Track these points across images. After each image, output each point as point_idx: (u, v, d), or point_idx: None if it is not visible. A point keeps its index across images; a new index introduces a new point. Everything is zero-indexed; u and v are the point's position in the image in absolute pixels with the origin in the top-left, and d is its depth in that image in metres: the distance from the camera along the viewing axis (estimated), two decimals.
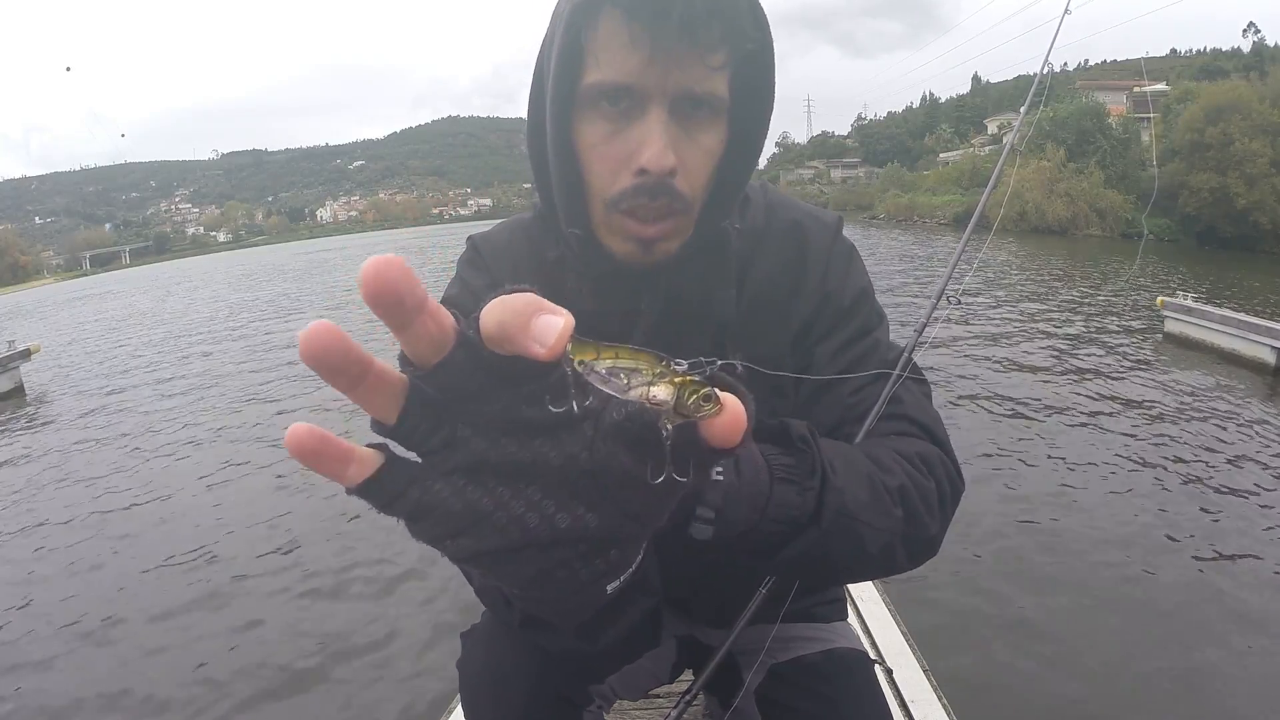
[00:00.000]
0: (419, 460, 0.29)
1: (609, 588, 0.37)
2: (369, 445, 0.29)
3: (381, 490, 0.28)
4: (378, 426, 0.29)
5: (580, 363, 0.28)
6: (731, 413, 0.28)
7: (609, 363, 0.28)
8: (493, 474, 0.29)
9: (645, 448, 0.28)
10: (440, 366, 0.27)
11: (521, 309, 0.26)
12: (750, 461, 0.52)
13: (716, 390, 0.28)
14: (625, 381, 0.28)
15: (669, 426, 0.28)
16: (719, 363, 0.26)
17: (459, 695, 0.76)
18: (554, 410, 0.28)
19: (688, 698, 0.69)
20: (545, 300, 0.26)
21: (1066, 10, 0.87)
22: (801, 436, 0.55)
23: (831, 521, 0.53)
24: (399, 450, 0.29)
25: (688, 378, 0.28)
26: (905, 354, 0.70)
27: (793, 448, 0.54)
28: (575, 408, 0.28)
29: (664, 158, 0.56)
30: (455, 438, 0.28)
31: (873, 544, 0.56)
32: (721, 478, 0.49)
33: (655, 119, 0.57)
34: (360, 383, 0.27)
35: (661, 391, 0.27)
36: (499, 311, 0.26)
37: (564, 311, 0.26)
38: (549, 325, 0.26)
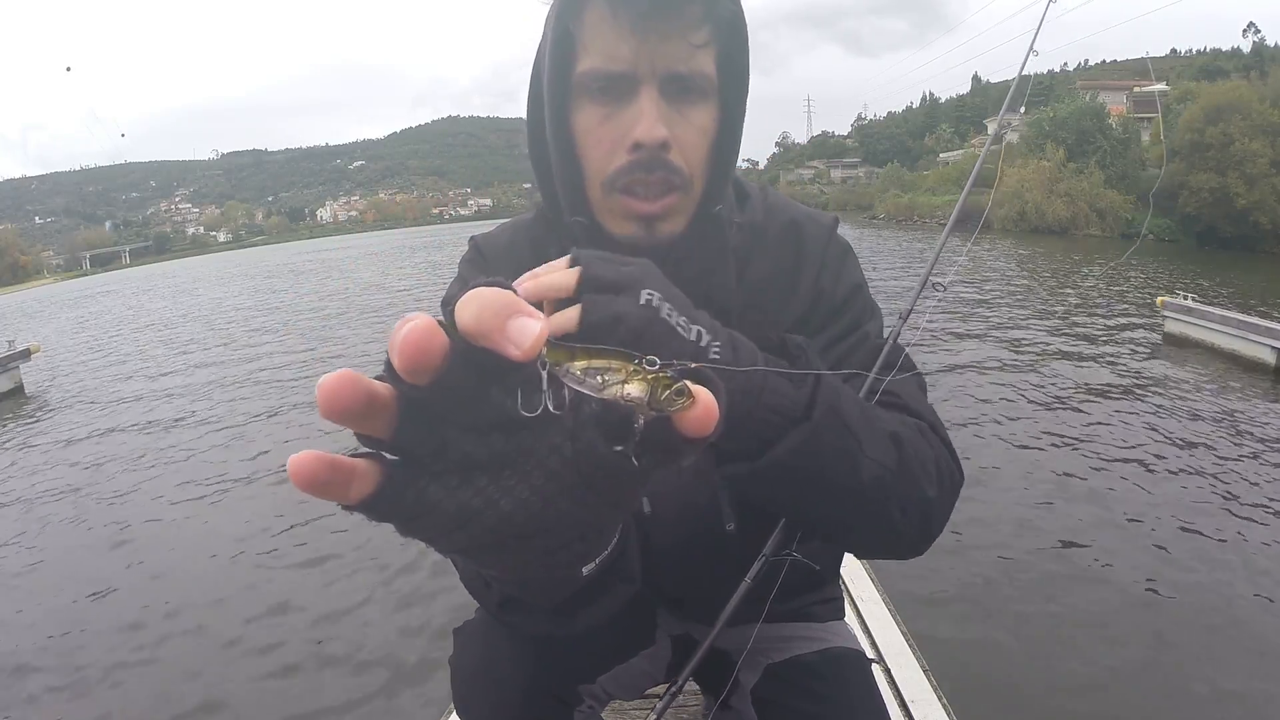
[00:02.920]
0: (409, 465, 0.29)
1: (584, 570, 0.40)
2: (357, 455, 0.28)
3: (381, 503, 0.28)
4: (363, 438, 0.28)
5: (556, 364, 0.29)
6: (704, 405, 0.29)
7: (584, 364, 0.29)
8: (481, 471, 0.29)
9: (622, 436, 0.30)
10: (434, 384, 0.26)
11: (500, 309, 0.26)
12: (745, 345, 0.52)
13: (688, 384, 0.29)
14: (600, 381, 0.29)
15: (641, 421, 0.30)
16: (693, 366, 0.26)
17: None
18: (525, 414, 0.28)
19: (678, 685, 0.70)
20: (523, 301, 0.27)
21: (1044, 15, 0.88)
22: (797, 345, 0.56)
23: (823, 417, 0.53)
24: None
25: (660, 375, 0.29)
26: (890, 343, 0.70)
27: (788, 354, 0.56)
28: (549, 407, 0.29)
29: (655, 129, 0.58)
30: (446, 441, 0.29)
31: (866, 470, 0.55)
32: (718, 354, 0.50)
33: (646, 97, 0.58)
34: (367, 416, 0.26)
35: (635, 389, 0.29)
36: (476, 307, 0.26)
37: (540, 315, 0.27)
38: (525, 329, 0.26)
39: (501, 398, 0.28)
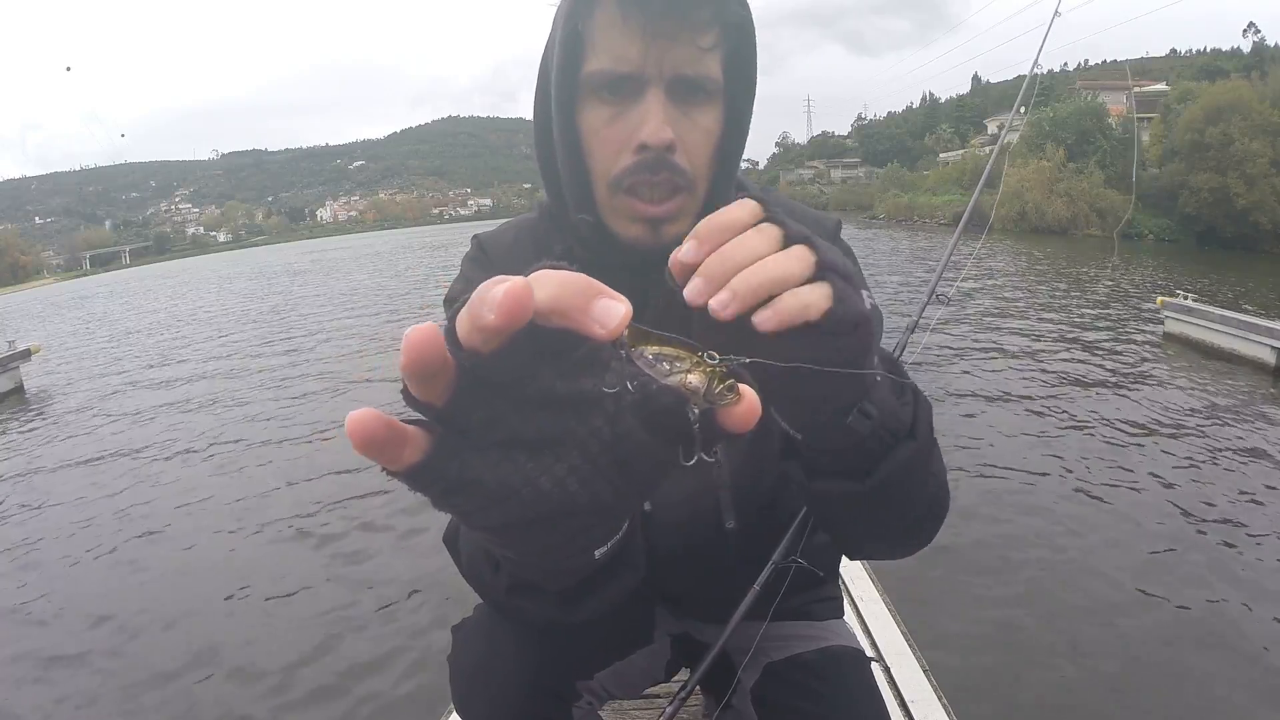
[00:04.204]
0: (455, 436, 0.29)
1: (597, 553, 0.42)
2: (407, 421, 0.28)
3: (426, 472, 0.28)
4: (415, 403, 0.28)
5: (632, 346, 0.30)
6: (748, 403, 0.31)
7: (655, 349, 0.31)
8: (524, 449, 0.29)
9: (662, 424, 0.31)
10: (498, 352, 0.27)
11: (583, 289, 0.28)
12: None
13: (737, 382, 0.32)
14: (668, 368, 0.31)
15: (695, 410, 0.31)
16: (748, 360, 0.26)
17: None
18: (607, 391, 0.29)
19: (683, 695, 0.70)
20: (603, 284, 0.29)
21: (1057, 12, 0.88)
22: (898, 360, 0.56)
23: (924, 436, 0.52)
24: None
25: (717, 368, 0.31)
26: (898, 354, 0.71)
27: (893, 365, 0.54)
28: (629, 386, 0.30)
29: (661, 131, 0.59)
30: (495, 415, 0.29)
31: (934, 483, 0.56)
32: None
33: (653, 99, 0.59)
34: (438, 377, 0.27)
35: (696, 379, 0.31)
36: (556, 287, 0.27)
37: (624, 298, 0.28)
38: (611, 309, 0.28)
39: (552, 378, 0.29)
